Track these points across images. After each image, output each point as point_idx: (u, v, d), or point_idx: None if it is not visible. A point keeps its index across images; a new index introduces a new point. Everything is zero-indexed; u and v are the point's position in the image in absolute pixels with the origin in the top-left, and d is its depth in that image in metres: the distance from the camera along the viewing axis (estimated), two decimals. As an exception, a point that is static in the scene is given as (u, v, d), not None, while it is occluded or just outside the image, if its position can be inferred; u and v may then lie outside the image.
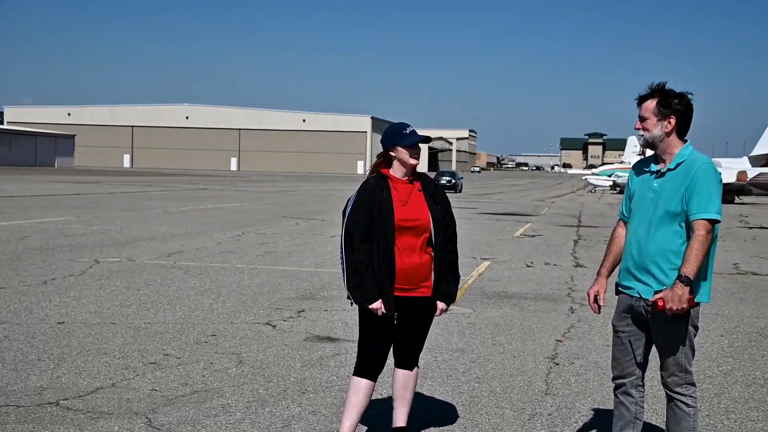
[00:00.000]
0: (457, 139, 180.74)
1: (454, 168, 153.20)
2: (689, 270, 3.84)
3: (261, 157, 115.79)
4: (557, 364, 6.73)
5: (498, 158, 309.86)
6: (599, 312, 4.25)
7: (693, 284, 3.88)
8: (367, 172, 4.65)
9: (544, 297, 10.28)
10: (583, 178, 75.46)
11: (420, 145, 4.44)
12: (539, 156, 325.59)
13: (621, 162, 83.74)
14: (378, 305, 4.32)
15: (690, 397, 4.06)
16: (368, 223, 4.34)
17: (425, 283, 4.42)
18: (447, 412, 5.40)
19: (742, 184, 38.27)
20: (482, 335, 7.84)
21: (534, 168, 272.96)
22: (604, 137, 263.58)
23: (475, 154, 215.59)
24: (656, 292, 3.95)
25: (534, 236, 19.63)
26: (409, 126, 4.49)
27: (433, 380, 6.16)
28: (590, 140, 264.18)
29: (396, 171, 4.47)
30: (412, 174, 4.50)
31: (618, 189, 61.96)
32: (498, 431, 5.08)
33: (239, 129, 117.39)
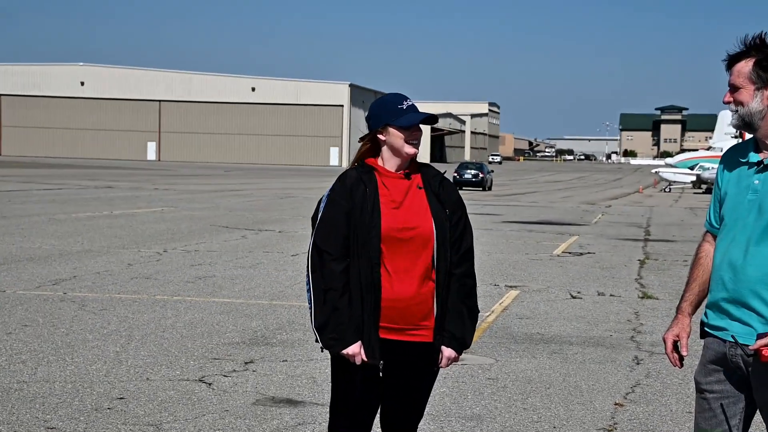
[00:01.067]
0: (473, 116, 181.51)
1: (467, 157, 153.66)
2: None
3: (190, 142, 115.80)
4: (615, 438, 6.77)
5: (531, 143, 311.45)
6: (681, 365, 4.24)
7: None
8: (348, 164, 4.66)
9: (597, 342, 10.34)
10: (654, 170, 75.93)
11: (422, 126, 4.48)
12: (590, 140, 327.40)
13: (709, 148, 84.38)
14: (356, 350, 4.34)
15: None
16: (345, 234, 4.37)
17: (425, 323, 4.42)
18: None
19: None
20: (508, 396, 7.89)
21: (582, 157, 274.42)
22: (684, 113, 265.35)
23: (498, 137, 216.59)
24: (760, 336, 3.95)
25: (582, 254, 19.76)
26: (406, 99, 4.52)
27: (437, 461, 6.19)
28: (663, 117, 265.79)
29: (387, 161, 4.50)
30: (410, 166, 4.53)
31: (704, 187, 62.44)
32: None
33: (159, 101, 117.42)
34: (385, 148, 4.49)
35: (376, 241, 4.36)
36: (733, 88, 4.12)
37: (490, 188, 55.75)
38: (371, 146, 4.53)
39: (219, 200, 35.55)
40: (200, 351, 9.21)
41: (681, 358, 4.23)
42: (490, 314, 11.74)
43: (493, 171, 61.94)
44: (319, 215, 4.43)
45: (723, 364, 4.13)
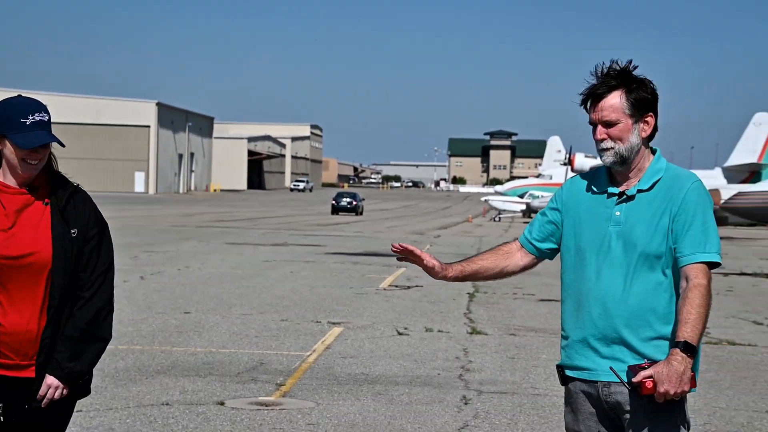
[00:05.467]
0: (294, 138, 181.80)
1: (288, 181, 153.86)
2: (691, 335, 3.94)
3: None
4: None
5: (356, 169, 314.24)
6: (396, 249, 4.42)
7: (695, 357, 3.98)
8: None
9: (425, 381, 10.46)
10: (484, 198, 77.89)
11: (48, 145, 4.21)
12: (418, 166, 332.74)
13: (538, 175, 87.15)
14: None
15: None
16: None
17: (34, 356, 4.26)
18: None
19: (714, 209, 40.50)
20: (330, 443, 7.87)
21: (410, 184, 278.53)
22: (514, 138, 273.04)
23: (321, 162, 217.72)
24: (633, 368, 4.01)
25: (410, 288, 20.00)
26: (37, 111, 4.23)
27: None
28: (493, 142, 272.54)
29: (5, 174, 4.29)
30: (36, 179, 4.30)
31: (534, 216, 64.29)
32: None
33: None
34: (4, 161, 4.26)
35: None
36: (608, 124, 4.16)
37: (361, 213, 66.48)
38: None
39: None
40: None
41: (402, 252, 4.42)
42: (311, 354, 11.72)
43: (364, 199, 73.94)
44: None
45: (597, 406, 4.19)
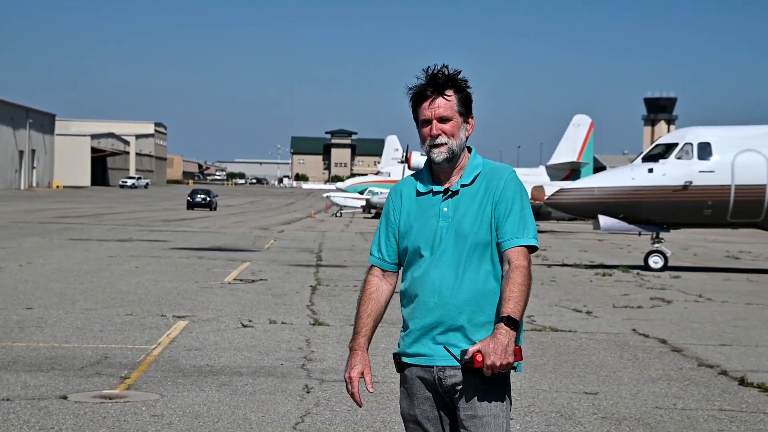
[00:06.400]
0: (138, 136, 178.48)
1: (134, 177, 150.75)
2: (514, 310, 4.12)
3: None
4: (286, 471, 6.87)
5: (200, 166, 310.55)
6: (361, 404, 4.37)
7: (518, 330, 4.15)
8: None
9: (268, 371, 10.45)
10: (326, 195, 78.04)
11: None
12: (261, 163, 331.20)
13: (377, 172, 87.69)
14: None
15: None
16: None
17: None
18: None
19: (539, 204, 41.64)
20: (175, 433, 7.77)
21: (254, 180, 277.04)
22: (354, 137, 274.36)
23: (165, 159, 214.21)
24: (464, 351, 4.15)
25: (254, 281, 19.92)
26: None
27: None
28: (334, 141, 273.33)
29: None
30: None
31: (374, 211, 64.83)
32: None
33: None
34: None
35: None
36: (443, 119, 4.27)
37: (215, 209, 69.37)
38: None
39: None
40: None
41: (359, 398, 4.33)
42: (156, 347, 11.55)
43: (218, 195, 76.49)
44: None
45: (432, 390, 4.31)
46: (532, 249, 4.28)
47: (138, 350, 11.38)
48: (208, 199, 69.73)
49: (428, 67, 4.32)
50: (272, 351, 11.72)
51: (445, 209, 4.31)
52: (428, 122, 4.30)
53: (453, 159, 4.31)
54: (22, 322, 13.33)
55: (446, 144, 4.27)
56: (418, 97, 4.32)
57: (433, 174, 4.38)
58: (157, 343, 11.84)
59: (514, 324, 4.11)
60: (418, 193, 4.38)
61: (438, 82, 4.28)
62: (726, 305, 18.18)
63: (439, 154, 4.29)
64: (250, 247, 31.15)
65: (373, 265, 4.48)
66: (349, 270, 23.66)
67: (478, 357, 4.09)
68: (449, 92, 4.28)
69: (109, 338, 12.19)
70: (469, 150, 4.40)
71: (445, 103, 4.27)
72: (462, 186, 4.33)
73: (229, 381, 9.90)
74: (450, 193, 4.33)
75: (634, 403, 9.45)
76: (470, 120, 4.36)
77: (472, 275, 4.26)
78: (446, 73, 4.29)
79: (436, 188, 4.35)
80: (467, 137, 4.35)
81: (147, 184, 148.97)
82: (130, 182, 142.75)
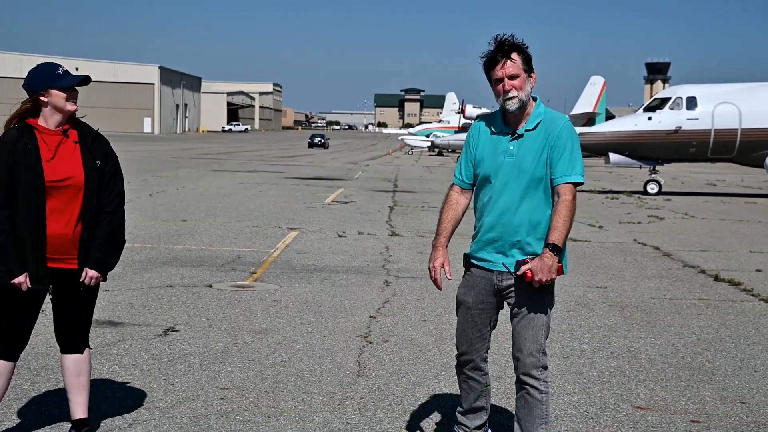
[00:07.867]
0: (260, 93, 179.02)
1: (258, 126, 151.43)
2: (558, 238, 4.06)
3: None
4: (370, 343, 6.90)
5: (307, 116, 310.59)
6: (442, 288, 4.34)
7: (562, 253, 4.10)
8: (5, 122, 4.35)
9: (357, 270, 10.50)
10: (400, 138, 77.65)
11: (78, 88, 4.31)
12: (352, 114, 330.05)
13: (439, 121, 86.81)
14: (21, 279, 4.24)
15: (543, 382, 4.19)
16: (9, 186, 4.20)
17: (74, 253, 4.33)
18: (247, 400, 5.39)
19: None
20: (289, 314, 7.89)
21: (347, 127, 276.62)
22: (422, 93, 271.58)
23: (281, 111, 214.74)
24: (519, 262, 4.11)
25: (346, 203, 19.95)
26: (60, 66, 4.33)
27: (232, 365, 6.13)
28: (407, 96, 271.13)
29: (47, 120, 4.31)
30: (68, 123, 4.34)
31: (437, 150, 64.39)
32: (305, 419, 5.14)
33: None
34: (47, 109, 4.29)
35: (41, 189, 4.22)
36: (512, 77, 4.12)
37: (327, 147, 71.44)
38: (31, 108, 4.31)
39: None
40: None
41: (440, 283, 4.29)
42: (275, 251, 11.68)
43: (329, 138, 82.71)
44: None
45: (486, 287, 4.26)
46: (578, 184, 4.16)
47: (262, 252, 11.53)
48: (322, 140, 73.17)
49: (496, 35, 4.17)
50: (360, 255, 11.78)
51: (511, 148, 4.18)
52: (500, 80, 4.15)
53: (522, 107, 4.17)
54: (179, 230, 13.58)
55: (516, 96, 4.13)
56: (490, 61, 4.17)
57: (505, 118, 4.25)
58: (276, 248, 11.97)
59: (557, 250, 4.07)
60: (492, 132, 4.26)
61: (505, 48, 4.14)
62: (705, 221, 17.78)
63: (512, 104, 4.15)
64: (344, 177, 31.19)
65: (454, 184, 4.40)
66: (418, 195, 23.59)
67: (528, 273, 4.06)
68: (514, 55, 4.13)
69: (241, 243, 12.36)
70: (534, 99, 4.25)
71: (512, 64, 4.12)
72: (526, 131, 4.19)
73: (329, 276, 9.98)
74: (516, 135, 4.20)
75: (634, 294, 9.34)
76: (532, 75, 4.19)
77: (528, 203, 4.15)
78: (509, 40, 4.16)
79: (506, 130, 4.22)
80: (532, 88, 4.20)
81: (246, 129, 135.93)
82: (228, 127, 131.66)
